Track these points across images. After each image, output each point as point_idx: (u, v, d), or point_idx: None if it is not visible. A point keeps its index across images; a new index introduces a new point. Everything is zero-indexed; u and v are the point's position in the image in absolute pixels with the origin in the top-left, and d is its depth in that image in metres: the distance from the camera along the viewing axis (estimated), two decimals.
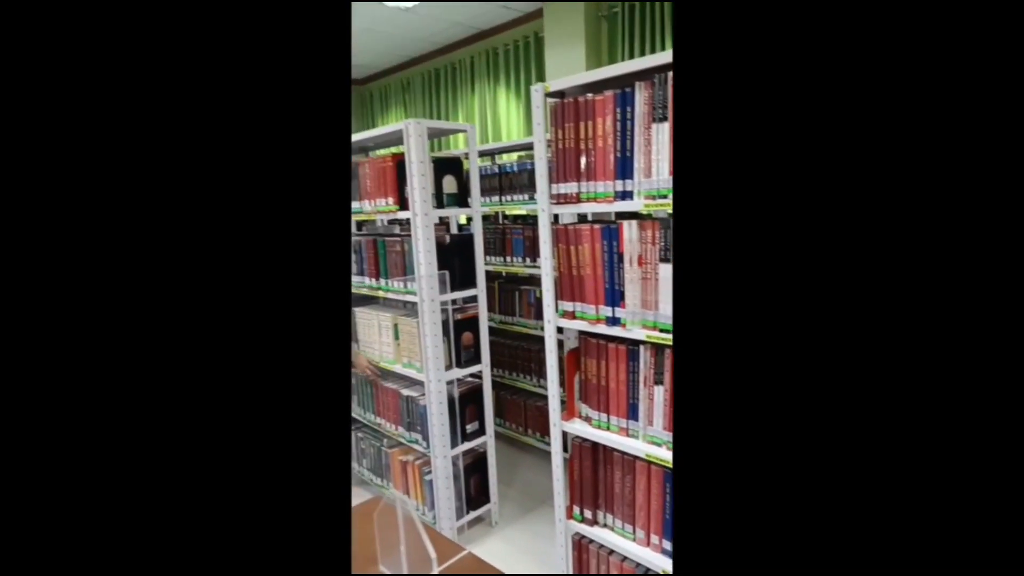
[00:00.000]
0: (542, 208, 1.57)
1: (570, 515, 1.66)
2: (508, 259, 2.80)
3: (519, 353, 2.89)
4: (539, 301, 2.60)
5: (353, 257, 2.28)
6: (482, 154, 3.20)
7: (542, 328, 2.34)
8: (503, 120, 4.38)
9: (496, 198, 2.87)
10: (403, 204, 2.00)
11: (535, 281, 2.85)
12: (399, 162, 1.98)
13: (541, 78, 3.96)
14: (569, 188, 1.50)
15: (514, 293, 2.82)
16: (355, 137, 2.19)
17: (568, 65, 3.61)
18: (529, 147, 2.94)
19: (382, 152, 2.27)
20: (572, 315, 1.57)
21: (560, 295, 1.59)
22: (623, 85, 1.35)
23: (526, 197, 2.73)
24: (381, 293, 2.17)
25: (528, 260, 2.72)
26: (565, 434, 1.66)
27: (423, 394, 2.10)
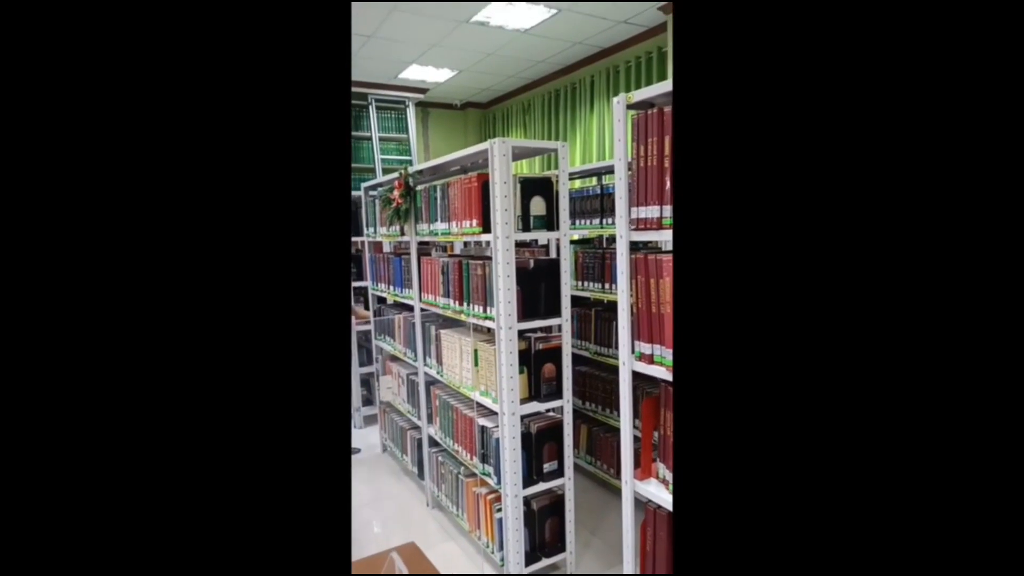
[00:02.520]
0: (620, 234, 1.39)
1: None
2: (607, 285, 2.61)
3: (615, 388, 2.66)
4: None
5: (440, 279, 2.25)
6: (587, 174, 3.05)
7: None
8: None
9: (597, 220, 2.70)
10: (487, 226, 1.93)
11: None
12: (484, 183, 1.91)
13: None
14: (651, 212, 1.31)
15: (611, 323, 2.61)
16: (448, 157, 2.17)
17: None
18: None
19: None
20: (650, 359, 1.37)
21: (637, 335, 1.39)
22: None
23: None
24: (463, 317, 2.11)
25: None
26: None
27: (498, 425, 1.99)
